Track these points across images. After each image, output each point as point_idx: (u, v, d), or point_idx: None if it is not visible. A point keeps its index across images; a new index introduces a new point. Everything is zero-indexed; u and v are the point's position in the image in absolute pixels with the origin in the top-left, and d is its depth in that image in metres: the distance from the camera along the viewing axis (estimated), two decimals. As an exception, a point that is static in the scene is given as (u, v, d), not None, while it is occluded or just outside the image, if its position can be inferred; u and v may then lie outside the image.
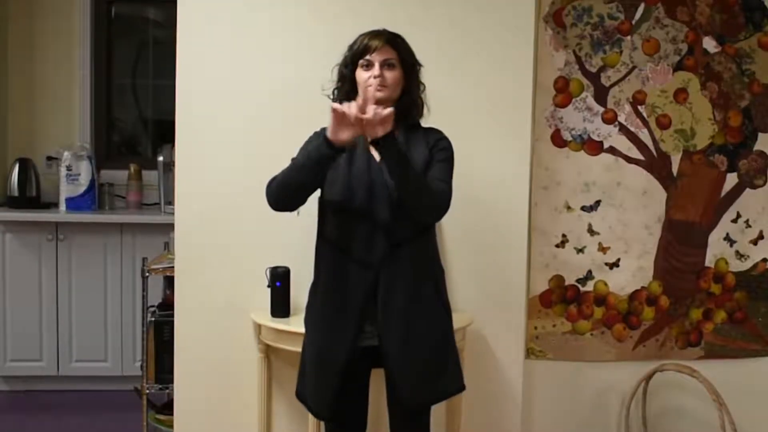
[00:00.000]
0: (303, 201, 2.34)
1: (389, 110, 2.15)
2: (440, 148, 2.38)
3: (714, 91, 3.19)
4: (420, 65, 2.44)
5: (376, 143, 2.20)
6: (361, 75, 2.36)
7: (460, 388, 2.46)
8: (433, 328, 2.39)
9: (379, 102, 2.35)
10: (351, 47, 2.39)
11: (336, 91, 2.44)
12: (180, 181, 2.92)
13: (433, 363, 2.37)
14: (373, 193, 2.31)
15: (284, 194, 2.32)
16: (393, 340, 2.32)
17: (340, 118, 2.14)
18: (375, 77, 2.32)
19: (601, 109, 3.13)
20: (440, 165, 2.36)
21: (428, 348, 2.36)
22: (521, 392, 3.03)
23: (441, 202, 2.32)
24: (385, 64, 2.34)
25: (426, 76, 2.47)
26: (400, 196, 2.26)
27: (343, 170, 2.34)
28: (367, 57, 2.34)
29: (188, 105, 2.88)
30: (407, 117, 2.41)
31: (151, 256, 3.49)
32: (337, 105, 2.15)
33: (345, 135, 2.17)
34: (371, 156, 2.36)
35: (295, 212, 2.42)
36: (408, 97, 2.40)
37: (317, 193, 2.40)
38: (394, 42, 2.37)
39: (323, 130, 2.44)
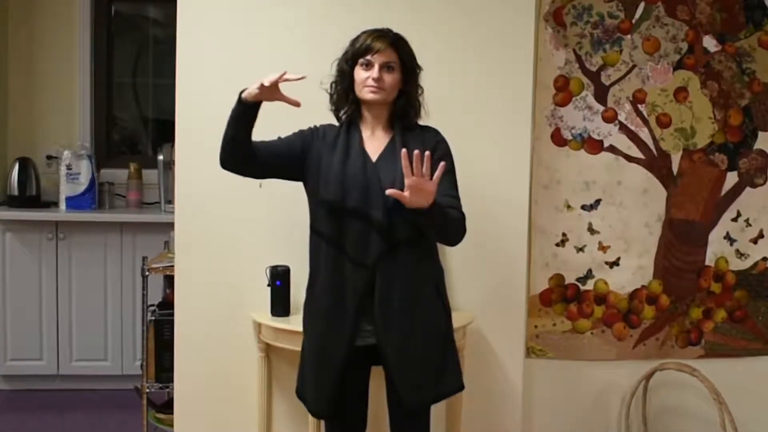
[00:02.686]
0: (244, 164, 2.37)
1: (434, 182, 2.14)
2: (441, 154, 2.35)
3: (714, 89, 3.19)
4: (420, 69, 2.43)
5: (416, 211, 2.17)
6: (360, 74, 2.36)
7: (460, 387, 2.46)
8: (433, 328, 2.38)
9: (374, 103, 2.36)
10: (353, 43, 2.39)
11: (333, 85, 2.44)
12: (180, 180, 2.92)
13: (432, 363, 2.37)
14: (369, 194, 2.30)
15: (222, 150, 2.36)
16: (391, 340, 2.32)
17: (264, 88, 2.21)
18: (373, 79, 2.32)
19: (601, 108, 3.13)
20: (447, 178, 2.34)
21: (427, 348, 2.36)
22: (521, 391, 3.03)
23: (463, 231, 2.35)
24: (385, 67, 2.34)
25: (426, 75, 2.46)
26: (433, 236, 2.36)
27: (337, 170, 2.33)
28: (368, 57, 2.34)
29: (188, 104, 2.88)
30: (404, 117, 2.41)
31: (151, 255, 3.49)
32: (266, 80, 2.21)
33: (264, 98, 2.25)
34: (366, 156, 2.36)
35: (258, 184, 2.51)
36: (405, 99, 2.40)
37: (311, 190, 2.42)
38: (396, 45, 2.37)
39: (322, 126, 2.46)
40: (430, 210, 2.15)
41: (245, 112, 2.27)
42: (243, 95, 2.26)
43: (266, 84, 2.19)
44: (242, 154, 2.33)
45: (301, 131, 2.45)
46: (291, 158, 2.39)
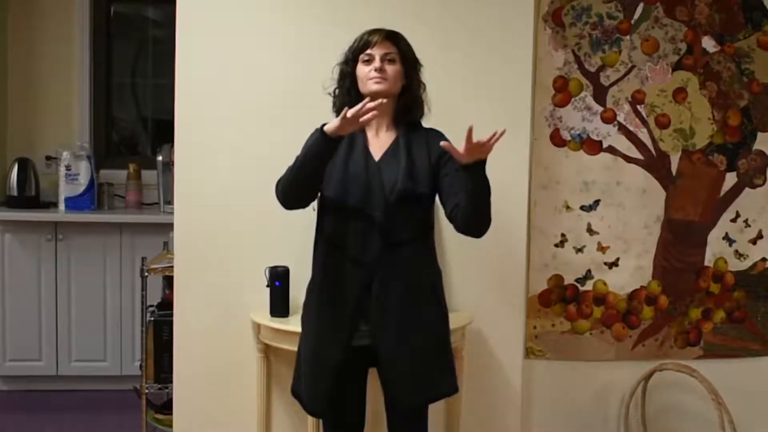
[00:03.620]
0: (312, 197, 2.35)
1: (497, 137, 2.14)
2: (449, 156, 2.35)
3: (713, 90, 3.19)
4: (421, 64, 2.44)
5: (466, 167, 2.17)
6: (362, 69, 2.37)
7: (454, 390, 2.45)
8: (428, 330, 2.37)
9: (378, 95, 2.35)
10: (351, 46, 2.41)
11: (336, 88, 2.45)
12: (179, 180, 2.92)
13: (426, 364, 2.36)
14: (370, 193, 2.31)
15: (292, 193, 2.33)
16: (387, 340, 2.32)
17: (348, 120, 2.15)
18: (376, 69, 2.33)
19: (600, 109, 3.13)
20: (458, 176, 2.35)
21: (422, 349, 2.35)
22: (520, 392, 3.03)
23: (490, 218, 2.32)
24: (386, 58, 2.35)
25: (425, 75, 2.47)
26: (472, 214, 2.26)
27: (339, 168, 2.34)
28: (368, 51, 2.36)
29: (188, 104, 2.88)
30: (409, 115, 2.42)
31: (151, 255, 3.49)
32: (349, 111, 2.15)
33: (347, 130, 2.19)
34: (369, 156, 2.37)
35: (310, 207, 2.43)
36: (409, 94, 2.41)
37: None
38: (394, 38, 2.39)
39: (323, 126, 2.46)
40: (483, 163, 2.16)
41: (328, 147, 2.21)
42: (327, 131, 2.18)
43: (349, 116, 2.14)
44: (313, 193, 2.32)
45: (308, 141, 2.41)
46: (322, 172, 2.37)
